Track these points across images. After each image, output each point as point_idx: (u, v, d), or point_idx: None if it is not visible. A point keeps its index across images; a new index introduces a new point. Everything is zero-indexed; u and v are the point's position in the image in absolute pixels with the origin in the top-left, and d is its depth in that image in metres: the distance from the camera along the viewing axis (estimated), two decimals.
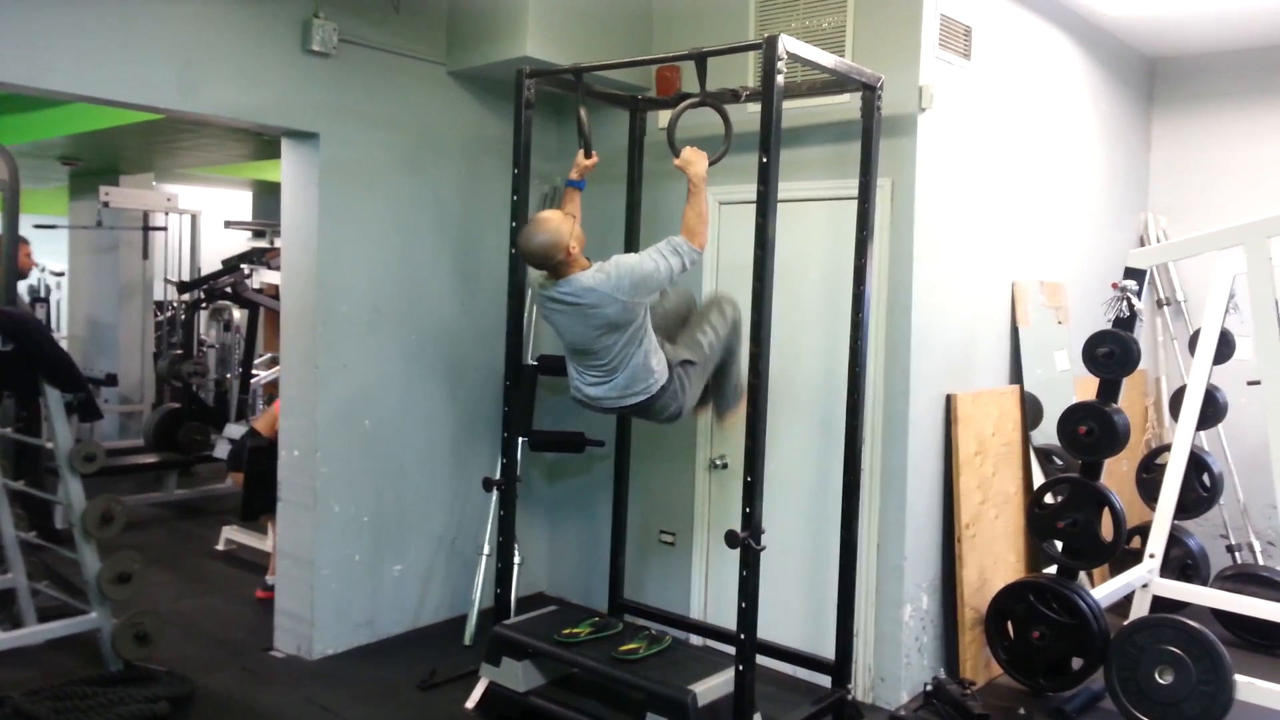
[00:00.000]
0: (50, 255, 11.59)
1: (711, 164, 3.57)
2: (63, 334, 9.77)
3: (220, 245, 9.95)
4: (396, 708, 3.96)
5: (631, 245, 4.52)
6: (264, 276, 6.42)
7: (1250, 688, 3.78)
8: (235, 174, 9.78)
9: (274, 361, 8.56)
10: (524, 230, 3.59)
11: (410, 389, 4.67)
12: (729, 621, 3.62)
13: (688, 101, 3.72)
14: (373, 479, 4.55)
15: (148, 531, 6.45)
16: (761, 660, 3.67)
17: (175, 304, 8.65)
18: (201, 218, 8.99)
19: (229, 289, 7.86)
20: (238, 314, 8.39)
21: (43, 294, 11.31)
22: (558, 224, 3.49)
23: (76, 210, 9.27)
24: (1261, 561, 5.32)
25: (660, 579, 4.83)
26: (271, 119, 4.08)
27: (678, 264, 3.47)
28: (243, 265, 7.56)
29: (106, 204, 7.98)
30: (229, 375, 8.23)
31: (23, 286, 11.89)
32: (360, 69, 4.33)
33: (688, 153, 3.55)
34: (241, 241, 9.93)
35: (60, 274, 10.47)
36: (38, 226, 9.70)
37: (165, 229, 8.86)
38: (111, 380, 8.12)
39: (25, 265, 6.38)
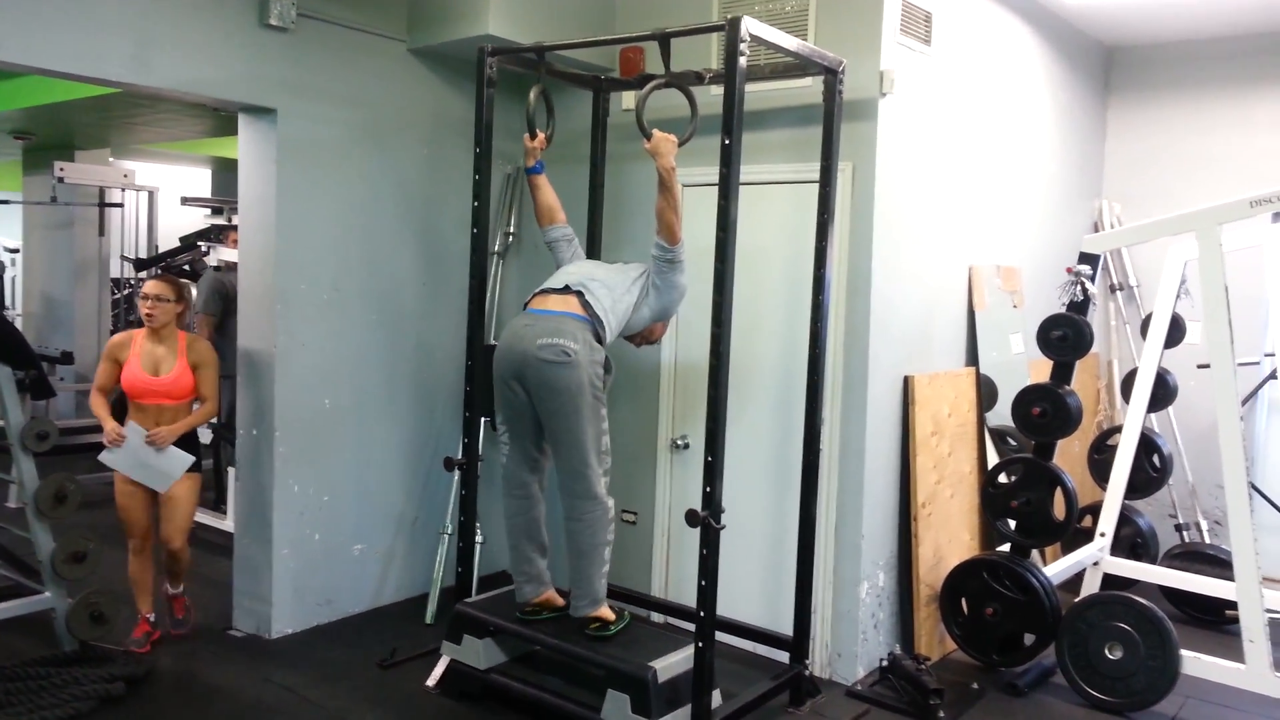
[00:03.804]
0: (4, 231, 11.37)
1: (680, 145, 3.58)
2: (17, 311, 9.59)
3: (178, 222, 9.79)
4: (357, 686, 3.96)
5: (594, 227, 4.53)
6: (222, 254, 6.33)
7: (1196, 662, 3.89)
8: (193, 150, 9.61)
9: None
10: None
11: (371, 368, 4.65)
12: (689, 599, 3.66)
13: (654, 83, 3.71)
14: (332, 458, 4.53)
15: (104, 510, 6.32)
16: (721, 637, 3.71)
17: (132, 281, 8.51)
18: (159, 194, 8.84)
19: (187, 266, 7.75)
20: (195, 292, 8.27)
21: None
22: None
23: (31, 186, 9.09)
24: (1209, 540, 5.46)
25: (621, 557, 4.83)
26: (228, 94, 4.03)
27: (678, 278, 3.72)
28: (201, 243, 7.45)
29: (61, 179, 7.83)
30: None
31: None
32: (319, 45, 4.27)
33: (658, 140, 3.53)
34: (200, 219, 9.78)
35: (15, 250, 10.27)
36: None
37: (122, 205, 8.71)
38: (67, 358, 7.98)
39: None
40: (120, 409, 4.23)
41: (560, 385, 3.46)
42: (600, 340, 3.57)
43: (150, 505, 4.21)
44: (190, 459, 4.16)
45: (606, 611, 3.68)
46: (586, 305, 3.58)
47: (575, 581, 3.67)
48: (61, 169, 7.80)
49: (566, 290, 3.64)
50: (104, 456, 4.11)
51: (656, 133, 3.53)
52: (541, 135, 3.92)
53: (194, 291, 8.14)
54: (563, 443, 3.54)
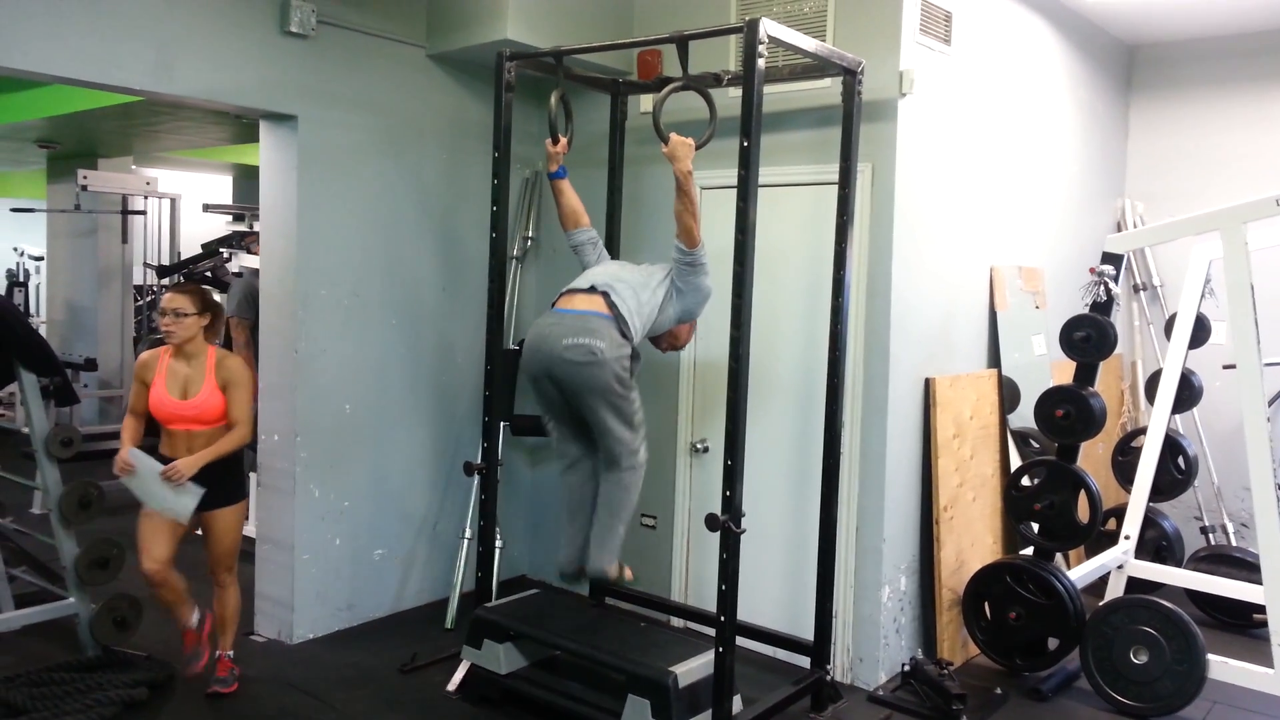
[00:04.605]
0: (28, 239, 11.50)
1: (698, 148, 3.57)
2: (42, 318, 9.69)
3: (200, 229, 9.87)
4: (377, 691, 3.97)
5: (613, 231, 4.52)
6: (244, 260, 6.38)
7: (1223, 666, 3.84)
8: (215, 157, 9.70)
9: None
10: None
11: (390, 373, 4.66)
12: (709, 604, 3.65)
13: (672, 86, 3.70)
14: (353, 463, 4.55)
15: (128, 517, 6.37)
16: (741, 642, 3.70)
17: (155, 288, 8.58)
18: (181, 201, 8.91)
19: (209, 273, 7.80)
20: (218, 298, 8.32)
21: (21, 278, 11.22)
22: None
23: (54, 194, 9.18)
24: (1235, 543, 5.39)
25: (641, 562, 4.82)
26: (249, 101, 4.05)
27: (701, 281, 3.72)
28: (222, 249, 7.50)
29: (85, 187, 7.90)
30: None
31: (1, 270, 11.85)
32: (339, 51, 4.30)
33: (675, 144, 3.51)
34: (221, 225, 9.85)
35: (39, 258, 10.37)
36: (15, 210, 9.62)
37: (144, 213, 8.79)
38: (91, 365, 8.07)
39: None
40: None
41: (588, 384, 3.49)
42: (626, 339, 3.57)
43: (173, 536, 3.74)
44: (198, 493, 3.65)
45: (615, 569, 3.73)
46: (612, 305, 3.57)
47: (599, 535, 3.69)
48: (85, 177, 7.87)
49: (592, 290, 3.64)
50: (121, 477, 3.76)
51: (674, 136, 3.52)
52: (564, 140, 3.91)
53: (219, 298, 8.23)
54: (598, 429, 3.61)
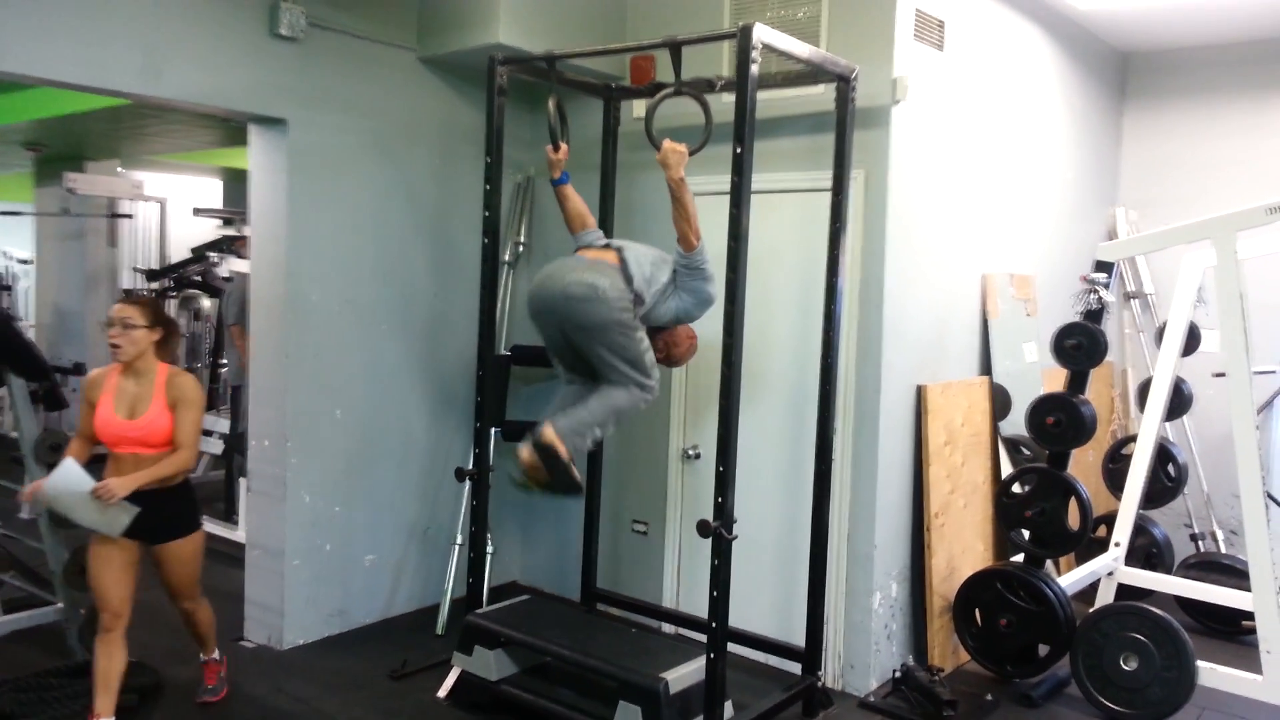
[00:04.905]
0: (16, 243, 11.44)
1: (692, 154, 3.55)
2: (30, 322, 9.63)
3: (189, 233, 9.82)
4: (368, 697, 3.95)
5: (606, 236, 4.51)
6: (233, 265, 6.36)
7: (1212, 673, 3.85)
8: (204, 161, 9.65)
9: None
10: None
11: (382, 378, 4.64)
12: (701, 610, 3.64)
13: (665, 92, 3.71)
14: (344, 469, 4.53)
15: None
16: (733, 648, 3.69)
17: (144, 292, 8.53)
18: (169, 205, 8.87)
19: (198, 277, 7.77)
20: (207, 303, 8.29)
21: (8, 282, 11.15)
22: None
23: (42, 197, 9.13)
24: (1224, 550, 5.40)
25: (633, 568, 4.84)
26: (238, 104, 4.03)
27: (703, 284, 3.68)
28: (211, 253, 7.47)
29: (72, 191, 7.87)
30: (199, 364, 8.14)
31: None
32: (329, 54, 4.28)
33: (667, 150, 3.50)
34: (211, 229, 9.82)
35: (26, 262, 10.32)
36: (2, 213, 9.57)
37: (132, 216, 8.75)
38: (79, 369, 7.98)
39: None
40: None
41: (588, 320, 3.49)
42: (632, 293, 3.54)
43: (131, 573, 3.47)
44: (132, 511, 3.34)
45: (553, 439, 3.47)
46: (623, 262, 3.60)
47: (568, 414, 3.55)
48: (72, 180, 7.83)
49: (607, 247, 3.71)
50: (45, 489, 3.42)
51: (666, 143, 3.50)
52: (565, 147, 3.90)
53: (208, 304, 8.20)
54: (601, 368, 3.58)
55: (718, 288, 3.61)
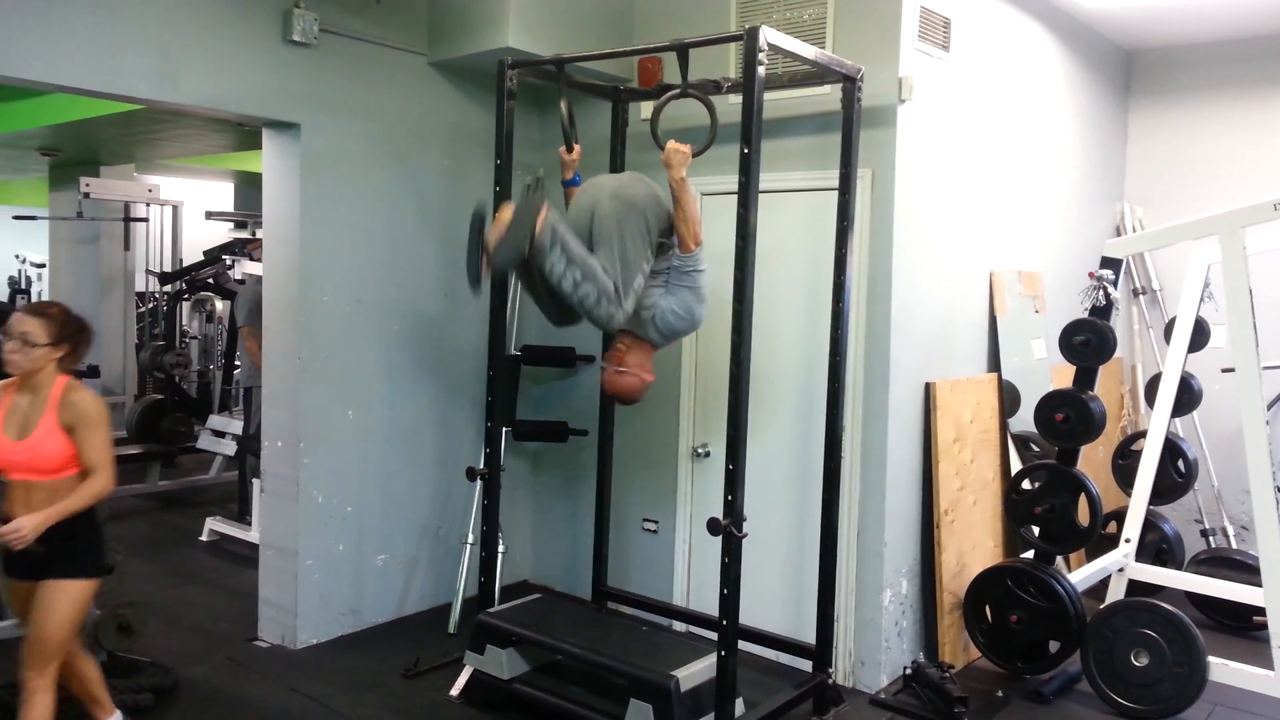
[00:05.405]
0: (31, 246, 11.53)
1: (697, 155, 3.57)
2: None
3: (202, 236, 9.91)
4: (381, 696, 3.98)
5: None
6: (246, 268, 6.41)
7: (1223, 669, 3.85)
8: (217, 165, 9.73)
9: None
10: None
11: (393, 379, 4.68)
12: (711, 608, 3.65)
13: (671, 94, 3.73)
14: (356, 469, 4.56)
15: (131, 523, 6.44)
16: (743, 646, 3.71)
17: (157, 295, 8.61)
18: (183, 209, 8.94)
19: (211, 280, 7.84)
20: (220, 305, 8.37)
21: (23, 286, 11.25)
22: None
23: (57, 201, 9.21)
24: (1235, 545, 5.40)
25: (643, 566, 4.86)
26: (252, 109, 4.08)
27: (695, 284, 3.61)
28: (225, 256, 7.53)
29: (87, 195, 7.94)
30: (212, 366, 8.21)
31: (3, 278, 11.88)
32: (341, 59, 4.32)
33: (669, 151, 3.49)
34: (223, 232, 9.89)
35: (41, 265, 10.40)
36: (17, 218, 9.65)
37: (146, 220, 8.82)
38: (93, 372, 8.09)
39: None
40: None
41: (637, 193, 3.56)
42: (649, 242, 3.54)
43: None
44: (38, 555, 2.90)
45: (540, 225, 3.37)
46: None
47: (569, 231, 3.47)
48: (87, 184, 7.91)
49: None
50: None
51: (669, 143, 3.51)
52: (578, 148, 3.91)
53: (220, 305, 8.26)
54: (601, 251, 3.47)
55: (707, 310, 3.61)
